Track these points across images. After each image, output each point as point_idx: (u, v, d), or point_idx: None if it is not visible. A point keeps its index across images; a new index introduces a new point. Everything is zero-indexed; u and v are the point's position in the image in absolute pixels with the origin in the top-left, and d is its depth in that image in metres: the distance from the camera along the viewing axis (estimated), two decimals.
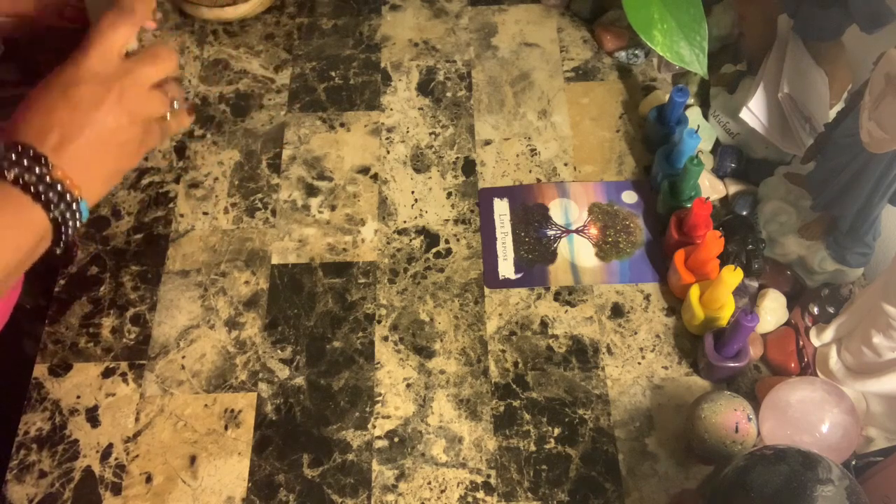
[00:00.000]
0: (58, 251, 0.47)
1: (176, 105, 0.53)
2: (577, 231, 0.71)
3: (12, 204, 0.44)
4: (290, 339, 0.66)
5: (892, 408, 0.59)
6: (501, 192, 0.73)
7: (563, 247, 0.70)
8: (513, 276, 0.69)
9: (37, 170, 0.44)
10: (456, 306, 0.68)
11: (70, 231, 0.47)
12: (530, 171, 0.75)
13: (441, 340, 0.66)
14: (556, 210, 0.72)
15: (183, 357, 0.66)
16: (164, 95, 0.51)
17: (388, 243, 0.71)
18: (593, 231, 0.71)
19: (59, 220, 0.45)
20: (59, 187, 0.45)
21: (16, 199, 0.44)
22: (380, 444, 0.62)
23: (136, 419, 0.63)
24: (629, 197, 0.73)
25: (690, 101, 0.77)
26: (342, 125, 0.78)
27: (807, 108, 0.67)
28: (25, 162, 0.44)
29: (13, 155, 0.44)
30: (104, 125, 0.47)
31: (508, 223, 0.71)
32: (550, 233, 0.71)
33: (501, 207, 0.72)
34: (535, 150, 0.76)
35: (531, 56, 0.82)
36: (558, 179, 0.74)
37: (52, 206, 0.45)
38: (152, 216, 0.72)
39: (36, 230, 0.45)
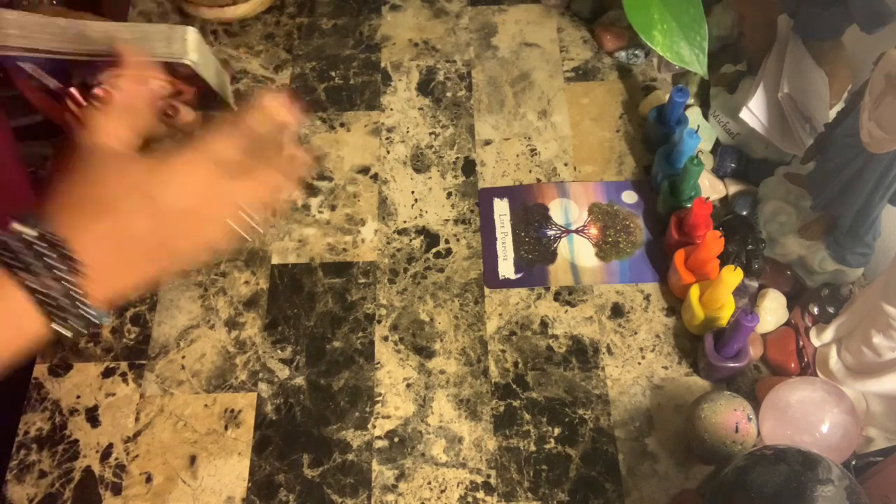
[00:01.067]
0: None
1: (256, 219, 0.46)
2: (577, 231, 0.71)
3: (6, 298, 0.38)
4: (290, 339, 0.66)
5: (892, 408, 0.59)
6: (501, 192, 0.73)
7: (563, 247, 0.70)
8: (513, 276, 0.69)
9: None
10: (456, 306, 0.68)
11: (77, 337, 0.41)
12: (530, 171, 0.75)
13: (441, 340, 0.66)
14: (556, 210, 0.72)
15: (183, 357, 0.66)
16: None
17: (388, 243, 0.71)
18: (593, 231, 0.71)
19: (65, 329, 0.40)
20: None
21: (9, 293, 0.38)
22: (380, 444, 0.62)
23: (136, 419, 0.63)
24: (629, 197, 0.73)
25: (690, 101, 0.77)
26: (342, 125, 0.78)
27: (807, 108, 0.67)
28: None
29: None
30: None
31: (508, 223, 0.71)
32: (550, 233, 0.71)
33: (501, 207, 0.72)
34: (535, 150, 0.76)
35: (531, 56, 0.82)
36: (558, 179, 0.74)
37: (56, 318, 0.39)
38: None
39: (30, 335, 0.39)
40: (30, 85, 0.52)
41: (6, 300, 0.38)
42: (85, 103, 0.49)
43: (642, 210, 0.72)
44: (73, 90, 0.51)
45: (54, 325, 0.39)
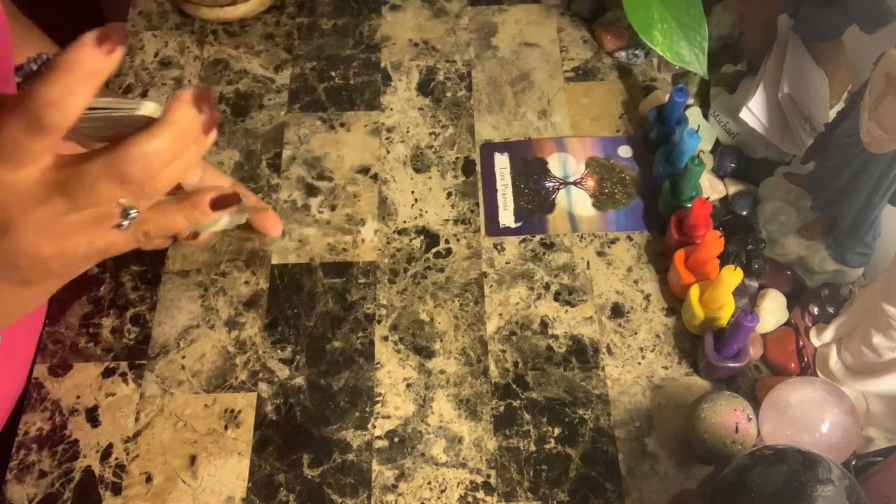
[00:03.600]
0: None
1: (133, 214, 0.39)
2: (574, 183, 0.74)
3: None
4: (290, 339, 0.66)
5: (892, 408, 0.59)
6: (502, 146, 0.76)
7: (561, 198, 0.73)
8: (513, 225, 0.72)
9: None
10: (456, 306, 0.68)
11: None
12: None
13: (441, 340, 0.66)
14: (555, 164, 0.75)
15: (183, 357, 0.66)
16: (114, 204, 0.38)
17: (388, 243, 0.71)
18: (590, 183, 0.74)
19: None
20: None
21: None
22: (380, 444, 0.62)
23: (136, 419, 0.63)
24: (625, 151, 0.76)
25: (690, 101, 0.77)
26: (342, 125, 0.78)
27: (807, 108, 0.67)
28: None
29: None
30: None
31: (509, 176, 0.74)
32: (549, 185, 0.74)
33: (502, 161, 0.75)
34: None
35: (531, 56, 0.82)
36: (556, 134, 0.77)
37: None
38: None
39: None
40: None
41: None
42: None
43: (637, 163, 0.75)
44: None
45: None
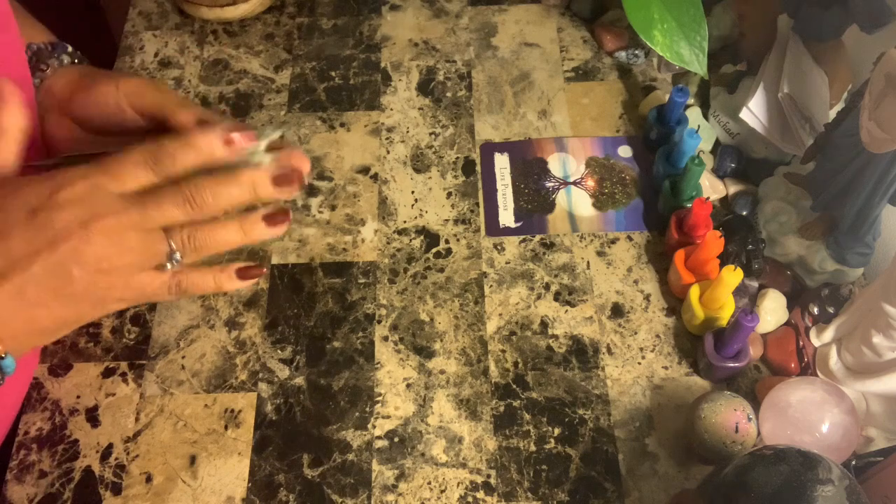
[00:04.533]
0: None
1: (177, 258, 0.43)
2: (574, 183, 0.74)
3: None
4: (290, 339, 0.66)
5: (892, 408, 0.59)
6: (502, 146, 0.76)
7: (561, 198, 0.73)
8: (513, 225, 0.72)
9: None
10: (456, 306, 0.68)
11: None
12: None
13: (441, 340, 0.66)
14: (555, 164, 0.75)
15: (183, 357, 0.66)
16: (165, 241, 0.42)
17: (388, 243, 0.71)
18: (590, 183, 0.74)
19: None
20: None
21: None
22: (380, 444, 0.62)
23: (136, 419, 0.63)
24: (625, 151, 0.76)
25: (690, 101, 0.77)
26: (342, 125, 0.78)
27: (807, 108, 0.67)
28: None
29: None
30: (56, 271, 0.39)
31: (509, 176, 0.74)
32: (549, 185, 0.74)
33: (502, 161, 0.75)
34: None
35: (531, 56, 0.82)
36: (556, 134, 0.77)
37: None
38: None
39: None
40: None
41: None
42: None
43: (637, 164, 0.75)
44: None
45: None
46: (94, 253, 0.39)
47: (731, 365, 0.61)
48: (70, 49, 0.58)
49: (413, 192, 0.74)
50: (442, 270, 0.70)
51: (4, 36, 0.49)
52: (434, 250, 0.71)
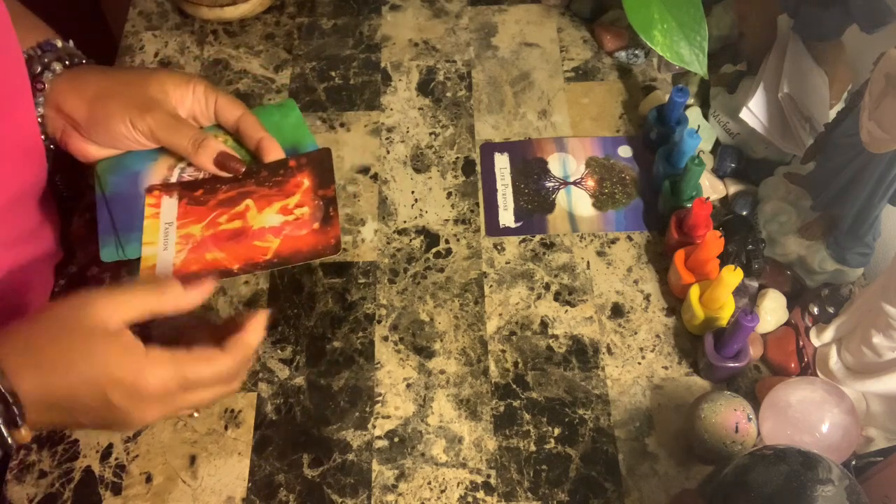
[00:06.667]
0: None
1: (196, 415, 0.57)
2: (574, 183, 0.74)
3: None
4: (290, 339, 0.66)
5: (892, 408, 0.59)
6: (502, 146, 0.76)
7: (561, 198, 0.73)
8: (513, 225, 0.72)
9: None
10: (456, 306, 0.68)
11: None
12: None
13: (441, 340, 0.66)
14: (555, 164, 0.75)
15: None
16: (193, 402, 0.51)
17: (388, 243, 0.71)
18: (590, 183, 0.74)
19: None
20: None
21: None
22: (380, 444, 0.62)
23: None
24: (625, 151, 0.76)
25: (690, 101, 0.77)
26: (342, 125, 0.78)
27: (807, 108, 0.67)
28: None
29: None
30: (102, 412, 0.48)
31: (509, 176, 0.74)
32: (549, 185, 0.74)
33: (502, 161, 0.75)
34: None
35: (531, 56, 0.82)
36: (556, 134, 0.77)
37: None
38: None
39: None
40: None
41: None
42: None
43: (637, 164, 0.75)
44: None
45: None
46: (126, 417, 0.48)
47: (731, 365, 0.61)
48: (60, 44, 0.60)
49: (413, 192, 0.74)
50: (442, 270, 0.70)
51: (4, 57, 0.54)
52: (434, 250, 0.71)
